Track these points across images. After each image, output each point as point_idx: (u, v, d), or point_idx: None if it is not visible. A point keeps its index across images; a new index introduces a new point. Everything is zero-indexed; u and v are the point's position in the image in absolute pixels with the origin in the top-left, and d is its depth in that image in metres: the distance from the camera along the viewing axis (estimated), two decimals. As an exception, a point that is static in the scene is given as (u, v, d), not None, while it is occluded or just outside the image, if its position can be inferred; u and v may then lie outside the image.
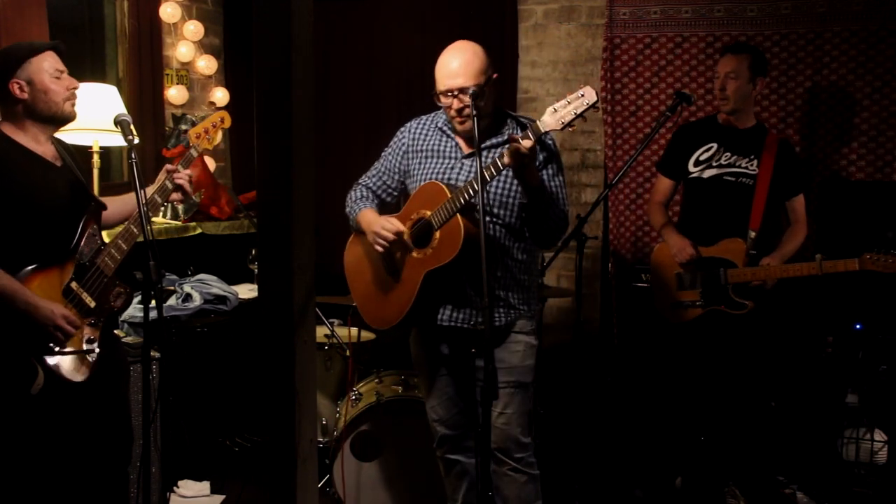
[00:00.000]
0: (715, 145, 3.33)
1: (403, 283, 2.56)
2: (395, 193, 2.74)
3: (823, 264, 3.10)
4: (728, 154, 3.31)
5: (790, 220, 3.37)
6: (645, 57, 4.24)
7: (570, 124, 2.29)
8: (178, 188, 2.65)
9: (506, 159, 2.30)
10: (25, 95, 2.42)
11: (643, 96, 4.26)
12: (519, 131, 2.52)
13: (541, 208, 2.45)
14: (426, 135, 2.66)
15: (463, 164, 2.57)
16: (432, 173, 2.58)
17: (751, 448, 3.73)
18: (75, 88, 2.52)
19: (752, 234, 3.22)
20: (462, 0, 4.61)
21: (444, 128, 2.63)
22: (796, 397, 3.90)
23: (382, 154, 2.75)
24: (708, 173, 3.33)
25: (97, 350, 2.47)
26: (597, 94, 2.25)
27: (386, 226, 2.53)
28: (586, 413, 4.00)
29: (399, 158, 2.69)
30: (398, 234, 2.51)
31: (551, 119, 2.29)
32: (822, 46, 3.97)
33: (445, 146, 2.61)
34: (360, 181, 2.78)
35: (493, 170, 2.36)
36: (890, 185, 3.86)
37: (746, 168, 3.28)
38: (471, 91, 2.38)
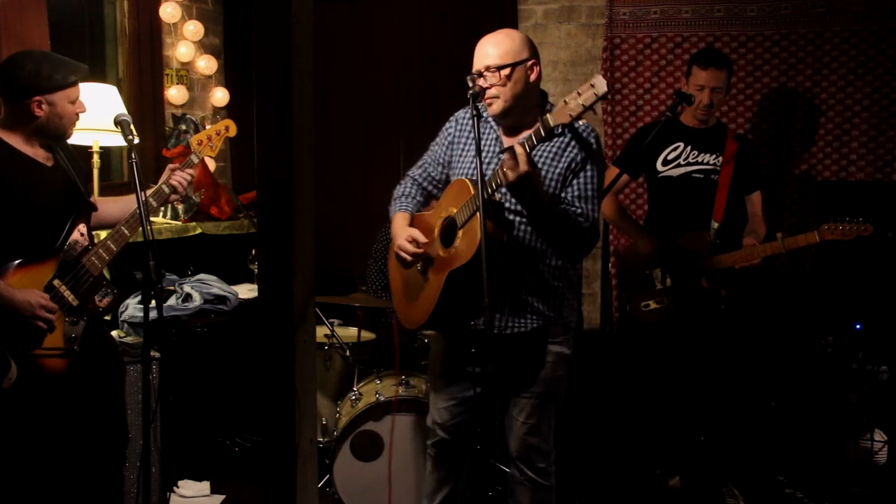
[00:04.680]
0: (681, 144, 3.40)
1: (429, 283, 2.49)
2: (442, 185, 2.64)
3: (785, 241, 3.14)
4: (695, 152, 3.38)
5: (749, 213, 3.42)
6: (645, 57, 4.24)
7: (579, 116, 2.16)
8: (173, 189, 2.67)
9: (502, 177, 2.21)
10: (42, 114, 2.44)
11: (643, 96, 4.26)
12: (565, 132, 2.42)
13: (550, 228, 2.34)
14: (470, 124, 2.55)
15: (500, 159, 2.43)
16: (470, 166, 2.50)
17: (751, 448, 3.74)
18: (82, 112, 2.55)
19: (715, 225, 3.29)
20: (462, 0, 4.61)
21: (489, 118, 2.51)
22: (796, 397, 3.90)
23: (431, 145, 2.67)
24: (677, 172, 3.39)
25: (76, 349, 2.46)
26: (607, 84, 2.19)
27: (402, 245, 2.45)
28: (586, 413, 4.00)
29: (445, 149, 2.60)
30: (419, 249, 2.45)
31: (561, 112, 2.17)
32: (822, 46, 3.97)
33: (487, 137, 2.51)
34: (409, 172, 2.70)
35: (493, 185, 2.27)
36: (890, 185, 3.87)
37: (713, 164, 3.34)
38: (470, 91, 2.30)
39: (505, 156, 2.20)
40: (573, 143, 2.41)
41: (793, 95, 4.04)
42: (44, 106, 2.43)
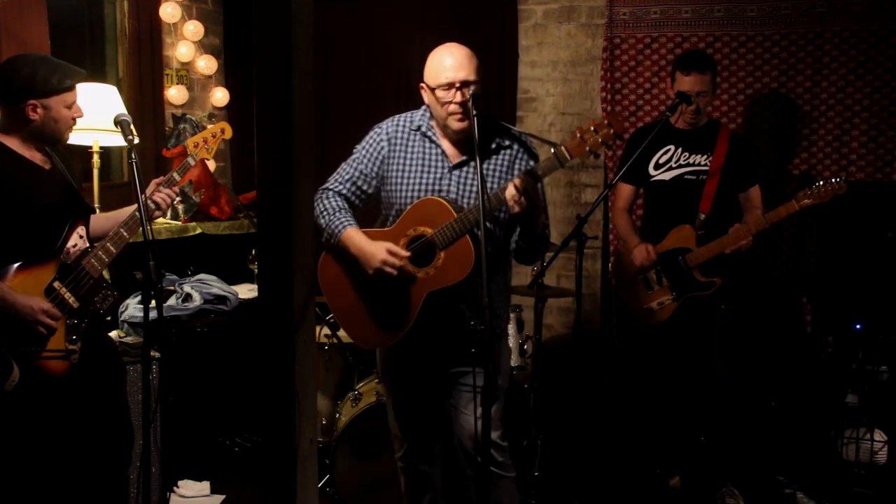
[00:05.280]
0: (672, 147, 3.41)
1: (401, 303, 2.43)
2: (369, 200, 2.59)
3: (766, 216, 3.18)
4: (686, 154, 3.39)
5: (744, 209, 3.42)
6: (645, 57, 4.24)
7: (595, 153, 2.27)
8: (156, 206, 2.66)
9: (516, 208, 2.24)
10: (36, 117, 2.43)
11: (643, 96, 4.26)
12: (511, 144, 2.46)
13: (535, 244, 2.43)
14: (407, 139, 2.51)
15: (451, 176, 2.44)
16: (419, 186, 2.46)
17: (751, 448, 3.74)
18: (80, 117, 2.54)
19: (702, 216, 3.31)
20: (462, 0, 4.61)
21: (428, 133, 2.49)
22: (796, 397, 3.91)
23: (354, 157, 2.58)
24: (669, 175, 3.41)
25: (78, 350, 2.46)
26: (624, 123, 2.23)
27: (388, 259, 2.36)
28: (586, 413, 4.00)
29: (378, 164, 2.53)
30: (402, 262, 2.38)
31: (578, 147, 2.25)
32: (822, 46, 3.97)
33: (430, 154, 2.48)
34: (330, 186, 2.57)
35: (495, 202, 2.30)
36: (890, 185, 3.87)
37: (704, 165, 3.35)
38: (472, 92, 2.30)
39: (514, 184, 2.23)
40: (521, 154, 2.48)
41: (793, 95, 4.04)
42: (39, 110, 2.42)
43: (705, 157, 3.35)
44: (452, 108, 2.38)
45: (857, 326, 3.59)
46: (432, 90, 2.41)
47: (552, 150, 2.28)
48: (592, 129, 2.24)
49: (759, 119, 4.10)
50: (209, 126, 2.82)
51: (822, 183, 3.11)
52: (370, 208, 2.63)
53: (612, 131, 2.23)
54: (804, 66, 4.01)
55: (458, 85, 2.36)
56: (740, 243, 3.21)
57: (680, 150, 3.40)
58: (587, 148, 2.24)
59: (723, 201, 3.35)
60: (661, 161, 3.43)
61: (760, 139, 4.09)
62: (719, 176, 3.31)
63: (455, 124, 2.40)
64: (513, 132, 2.51)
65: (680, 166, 3.39)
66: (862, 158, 3.96)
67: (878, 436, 3.55)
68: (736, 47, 4.10)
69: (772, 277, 4.05)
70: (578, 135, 2.26)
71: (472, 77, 2.37)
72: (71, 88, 2.48)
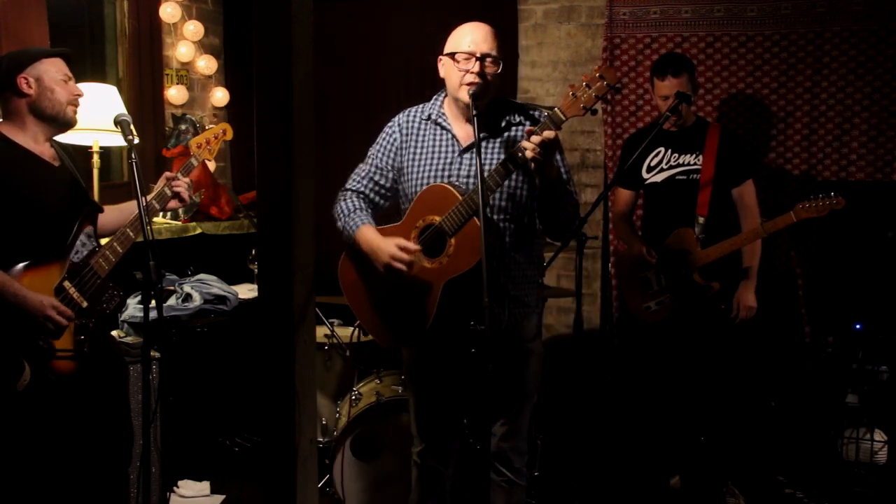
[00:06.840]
0: (662, 149, 3.43)
1: (419, 297, 2.38)
2: (389, 195, 2.58)
3: (765, 226, 3.23)
4: (676, 155, 3.40)
5: (741, 207, 3.40)
6: (645, 57, 4.23)
7: (592, 109, 2.23)
8: (177, 195, 2.67)
9: (528, 153, 2.19)
10: (32, 91, 2.44)
11: (643, 96, 4.25)
12: (523, 120, 2.45)
13: (558, 200, 2.37)
14: (418, 128, 2.52)
15: (462, 159, 2.43)
16: (430, 172, 2.45)
17: (751, 448, 3.74)
18: (79, 95, 2.55)
19: (701, 220, 3.32)
20: (461, 1, 4.60)
21: (438, 119, 2.49)
22: (796, 397, 3.90)
23: (370, 154, 2.59)
24: (661, 177, 3.42)
25: (87, 350, 2.46)
26: (617, 74, 2.19)
27: (397, 255, 2.33)
28: (586, 413, 4.00)
29: (392, 157, 2.53)
30: (411, 256, 2.35)
31: (573, 105, 2.22)
32: (822, 46, 3.97)
33: (440, 140, 2.47)
34: (349, 186, 2.59)
35: (510, 166, 2.27)
36: (890, 185, 3.87)
37: (694, 164, 3.36)
38: (471, 92, 2.30)
39: (530, 140, 2.19)
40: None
41: (793, 95, 4.04)
42: (31, 82, 2.44)
43: (694, 156, 3.36)
44: (468, 77, 2.36)
45: (857, 326, 3.59)
46: (451, 56, 2.39)
47: (546, 114, 2.27)
48: (585, 84, 2.23)
49: (759, 119, 4.10)
50: (211, 127, 2.82)
51: (821, 196, 3.13)
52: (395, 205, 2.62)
53: (605, 83, 2.20)
54: (804, 66, 4.00)
55: (478, 56, 2.36)
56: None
57: (669, 151, 3.41)
58: (581, 105, 2.22)
59: (720, 202, 3.35)
60: (652, 164, 3.44)
61: (760, 139, 4.09)
62: (713, 175, 3.31)
63: (465, 96, 2.35)
64: (524, 108, 2.50)
65: (671, 167, 3.40)
66: (862, 158, 3.96)
67: (878, 436, 3.55)
68: (736, 47, 4.10)
69: (771, 277, 4.05)
70: (571, 93, 2.24)
71: (493, 52, 2.37)
72: (55, 55, 2.51)
